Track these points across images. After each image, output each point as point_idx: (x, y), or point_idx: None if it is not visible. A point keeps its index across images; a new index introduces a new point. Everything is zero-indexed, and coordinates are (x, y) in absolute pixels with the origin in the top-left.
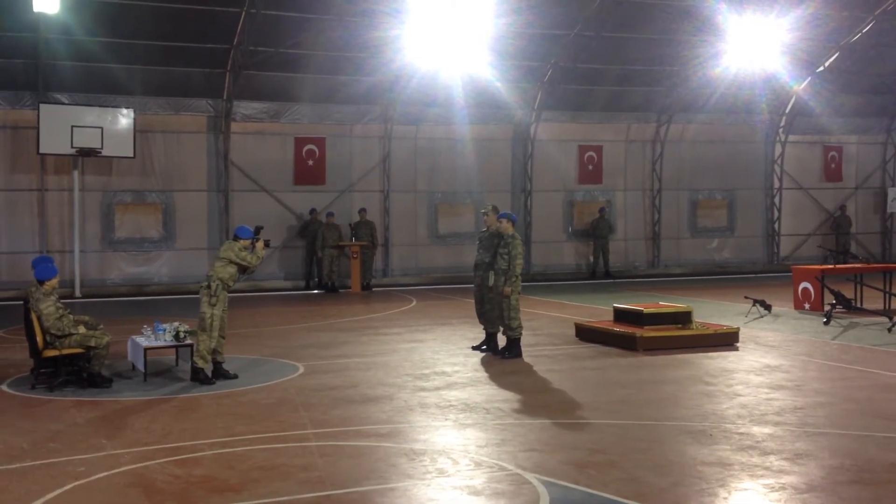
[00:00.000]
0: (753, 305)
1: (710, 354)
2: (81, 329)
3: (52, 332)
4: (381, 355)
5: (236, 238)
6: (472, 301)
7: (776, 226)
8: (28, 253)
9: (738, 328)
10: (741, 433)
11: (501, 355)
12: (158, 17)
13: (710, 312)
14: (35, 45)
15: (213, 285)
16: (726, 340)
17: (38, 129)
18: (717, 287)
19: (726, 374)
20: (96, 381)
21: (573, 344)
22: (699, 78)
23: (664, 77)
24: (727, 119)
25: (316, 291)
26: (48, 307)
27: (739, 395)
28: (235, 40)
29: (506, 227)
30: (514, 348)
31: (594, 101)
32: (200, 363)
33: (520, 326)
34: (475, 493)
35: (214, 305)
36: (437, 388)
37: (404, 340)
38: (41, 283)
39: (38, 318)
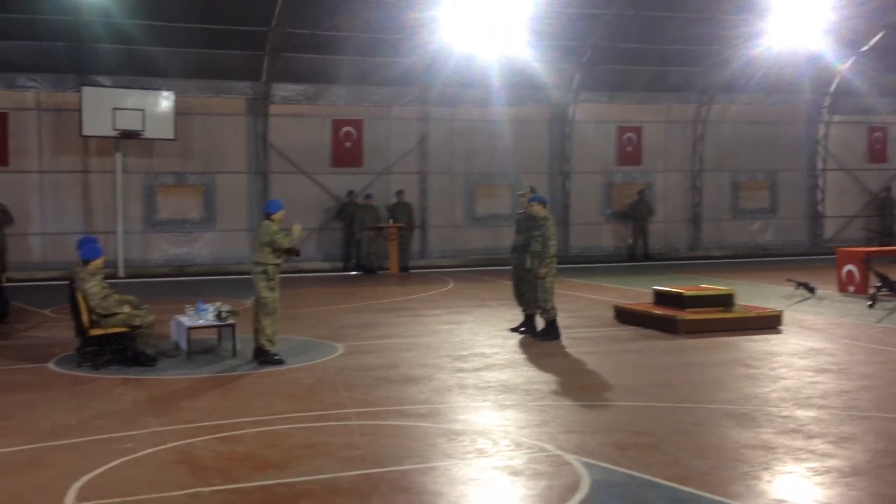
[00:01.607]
0: (797, 288)
1: (753, 337)
2: (126, 309)
3: (98, 311)
4: (420, 336)
5: (268, 216)
6: (510, 283)
7: (820, 207)
8: (72, 234)
9: (782, 311)
10: (785, 416)
11: (540, 337)
12: None
13: (752, 295)
14: (77, 28)
15: (270, 270)
16: (769, 323)
17: (80, 111)
18: (760, 270)
19: (769, 357)
20: (141, 360)
21: (612, 326)
22: (741, 58)
23: (705, 57)
24: (770, 99)
25: (354, 273)
26: (93, 287)
27: (783, 379)
28: (273, 22)
29: (537, 209)
30: (552, 330)
31: (634, 82)
32: (268, 346)
33: (554, 308)
34: (515, 473)
35: (273, 289)
36: (477, 370)
37: (443, 322)
38: (86, 263)
39: (84, 298)
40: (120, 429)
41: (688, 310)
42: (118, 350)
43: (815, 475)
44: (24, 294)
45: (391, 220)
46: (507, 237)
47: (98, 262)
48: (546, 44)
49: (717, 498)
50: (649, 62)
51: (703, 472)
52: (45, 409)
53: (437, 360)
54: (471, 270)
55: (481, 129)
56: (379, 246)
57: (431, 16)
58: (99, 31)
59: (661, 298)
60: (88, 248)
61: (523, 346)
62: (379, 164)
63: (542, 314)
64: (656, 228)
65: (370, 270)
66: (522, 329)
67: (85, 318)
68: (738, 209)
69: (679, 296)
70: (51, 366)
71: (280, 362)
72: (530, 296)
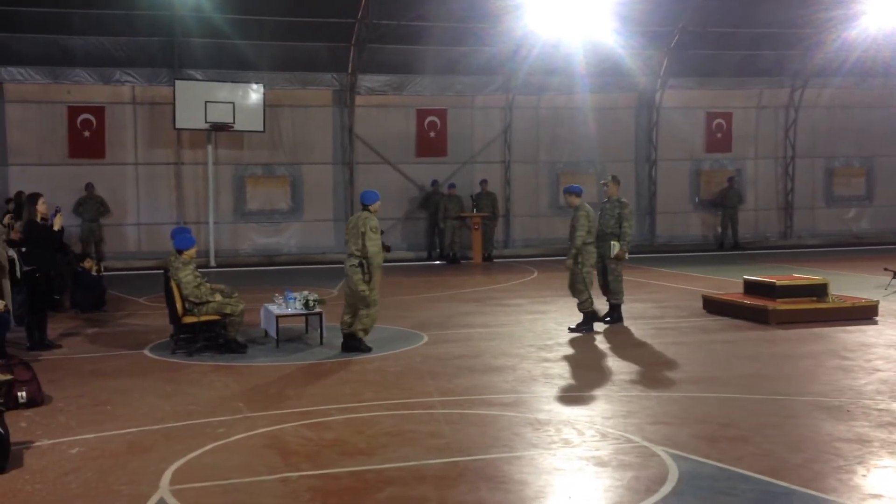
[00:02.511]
0: (894, 278)
1: (848, 328)
2: (218, 297)
3: (191, 299)
4: (503, 326)
5: (365, 207)
6: (595, 272)
7: None
8: (166, 224)
9: (878, 301)
10: (881, 409)
11: (577, 329)
12: None
13: (847, 285)
14: (170, 23)
15: (366, 263)
16: (865, 314)
17: (173, 104)
18: (855, 259)
19: (865, 348)
20: (232, 347)
21: (700, 317)
22: (835, 40)
23: (797, 40)
24: (865, 83)
25: (438, 262)
26: (187, 276)
27: (879, 371)
28: (359, 14)
29: (571, 200)
30: (586, 322)
31: (723, 67)
32: (361, 334)
33: (588, 299)
34: (601, 464)
35: (369, 282)
36: (561, 359)
37: (526, 311)
38: (180, 252)
39: (178, 286)
40: (212, 414)
41: (779, 300)
42: (210, 337)
43: None
44: (121, 283)
45: (475, 210)
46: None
47: (191, 252)
48: (632, 29)
49: (811, 492)
50: (739, 46)
51: (795, 466)
52: (141, 394)
53: (521, 350)
54: (555, 260)
55: (566, 116)
56: (462, 235)
57: (516, 3)
58: (191, 26)
59: (752, 288)
60: (182, 237)
61: (608, 335)
62: (463, 153)
63: (578, 307)
64: (746, 217)
65: (454, 260)
66: (608, 319)
67: (179, 306)
68: (833, 196)
69: (771, 285)
70: (146, 352)
71: (368, 350)
72: (615, 285)
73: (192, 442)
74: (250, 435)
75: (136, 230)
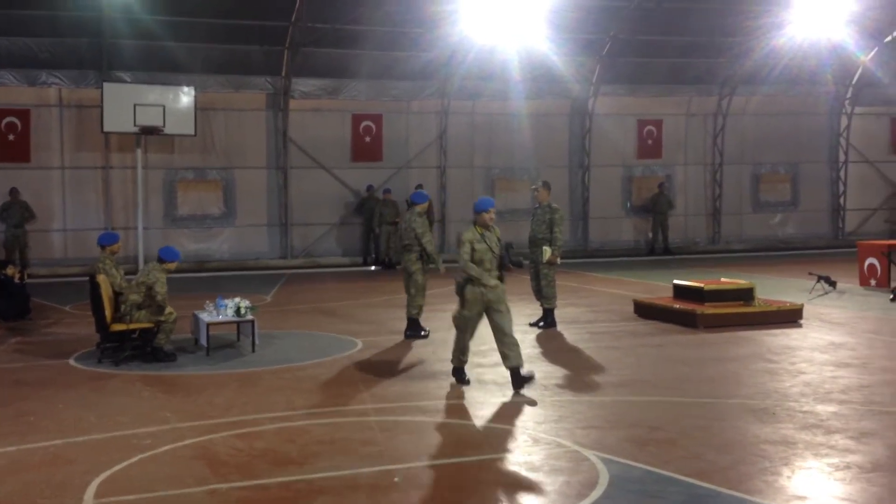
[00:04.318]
0: (818, 282)
1: (773, 332)
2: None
3: (161, 303)
4: (438, 331)
5: (411, 203)
6: (529, 277)
7: (842, 200)
8: (93, 230)
9: (802, 305)
10: (805, 411)
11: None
12: None
13: (773, 289)
14: (99, 24)
15: (424, 255)
16: (790, 317)
17: (101, 107)
18: (781, 263)
19: (790, 351)
20: (160, 356)
21: (632, 321)
22: (762, 49)
23: (726, 48)
24: (791, 91)
25: (373, 268)
26: (164, 284)
27: (803, 373)
28: (294, 17)
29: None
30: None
31: (654, 74)
32: (415, 314)
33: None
34: (533, 469)
35: (424, 271)
36: (495, 365)
37: None
38: (162, 262)
39: (151, 291)
40: (139, 425)
41: (707, 304)
42: (138, 346)
43: (836, 470)
44: (46, 290)
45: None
46: (526, 231)
47: (173, 265)
48: (565, 37)
49: (737, 494)
50: (669, 54)
51: (722, 468)
52: (65, 405)
53: None
54: None
55: (501, 122)
56: (398, 241)
57: (451, 9)
58: (120, 27)
59: (681, 292)
60: (167, 249)
61: (542, 340)
62: (398, 158)
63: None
64: (676, 222)
65: (389, 265)
66: (542, 324)
67: (108, 313)
68: (759, 202)
69: (699, 290)
70: (71, 362)
71: (426, 336)
72: (548, 290)
73: (117, 454)
74: (178, 446)
75: (62, 236)
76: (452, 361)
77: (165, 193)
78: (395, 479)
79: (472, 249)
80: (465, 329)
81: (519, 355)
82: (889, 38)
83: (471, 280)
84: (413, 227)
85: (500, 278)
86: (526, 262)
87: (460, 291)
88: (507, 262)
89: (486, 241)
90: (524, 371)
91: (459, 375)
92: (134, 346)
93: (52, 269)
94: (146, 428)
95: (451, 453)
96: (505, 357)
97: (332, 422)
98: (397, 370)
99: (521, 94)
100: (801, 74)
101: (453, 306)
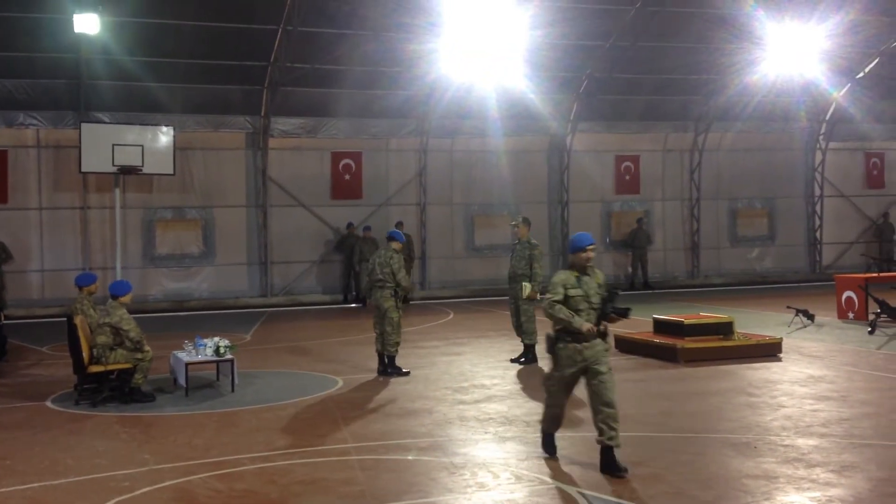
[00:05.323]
0: (796, 315)
1: (753, 365)
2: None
3: (136, 339)
4: (419, 368)
5: (389, 238)
6: (510, 313)
7: (818, 234)
8: (71, 270)
9: (781, 338)
10: (786, 445)
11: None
12: (196, 35)
13: (751, 323)
14: (76, 65)
15: (399, 291)
16: (769, 351)
17: (79, 147)
18: (759, 297)
19: (770, 385)
20: (138, 397)
21: (612, 355)
22: (737, 85)
23: (701, 85)
24: (766, 127)
25: (354, 305)
26: (129, 320)
27: (784, 407)
28: (272, 57)
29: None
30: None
31: (630, 111)
32: (393, 352)
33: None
34: None
35: (399, 308)
36: (477, 401)
37: (442, 353)
38: (116, 297)
39: (120, 331)
40: (117, 467)
41: (687, 338)
42: (116, 387)
43: None
44: (23, 331)
45: None
46: (506, 267)
47: (125, 299)
48: (542, 75)
49: None
50: (645, 91)
51: (705, 503)
52: (42, 448)
53: (436, 393)
54: (471, 301)
55: (480, 159)
56: (367, 277)
57: (430, 48)
58: (98, 68)
59: (661, 327)
60: (118, 283)
61: (523, 376)
62: (378, 196)
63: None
64: (655, 257)
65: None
66: (523, 360)
67: (86, 354)
68: (737, 237)
69: (679, 324)
70: (48, 404)
71: (407, 374)
72: (529, 326)
73: (95, 497)
74: (157, 488)
75: (39, 276)
76: (542, 428)
77: (144, 233)
78: None
79: (566, 297)
80: (556, 394)
81: (618, 434)
82: (861, 75)
83: (564, 335)
84: (390, 264)
85: (603, 334)
86: (631, 310)
87: (551, 348)
88: (611, 312)
89: (581, 287)
90: (618, 454)
91: (548, 445)
92: (112, 386)
93: (29, 310)
94: (124, 470)
95: (432, 491)
96: (600, 431)
97: (313, 461)
98: (378, 408)
99: (500, 131)
100: (774, 111)
101: (433, 342)
